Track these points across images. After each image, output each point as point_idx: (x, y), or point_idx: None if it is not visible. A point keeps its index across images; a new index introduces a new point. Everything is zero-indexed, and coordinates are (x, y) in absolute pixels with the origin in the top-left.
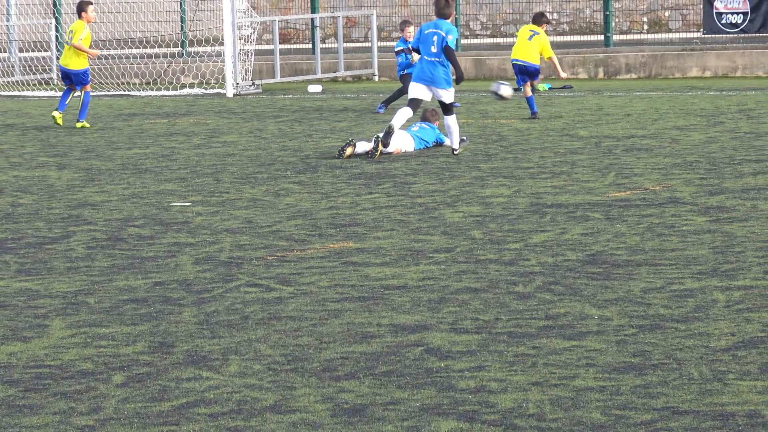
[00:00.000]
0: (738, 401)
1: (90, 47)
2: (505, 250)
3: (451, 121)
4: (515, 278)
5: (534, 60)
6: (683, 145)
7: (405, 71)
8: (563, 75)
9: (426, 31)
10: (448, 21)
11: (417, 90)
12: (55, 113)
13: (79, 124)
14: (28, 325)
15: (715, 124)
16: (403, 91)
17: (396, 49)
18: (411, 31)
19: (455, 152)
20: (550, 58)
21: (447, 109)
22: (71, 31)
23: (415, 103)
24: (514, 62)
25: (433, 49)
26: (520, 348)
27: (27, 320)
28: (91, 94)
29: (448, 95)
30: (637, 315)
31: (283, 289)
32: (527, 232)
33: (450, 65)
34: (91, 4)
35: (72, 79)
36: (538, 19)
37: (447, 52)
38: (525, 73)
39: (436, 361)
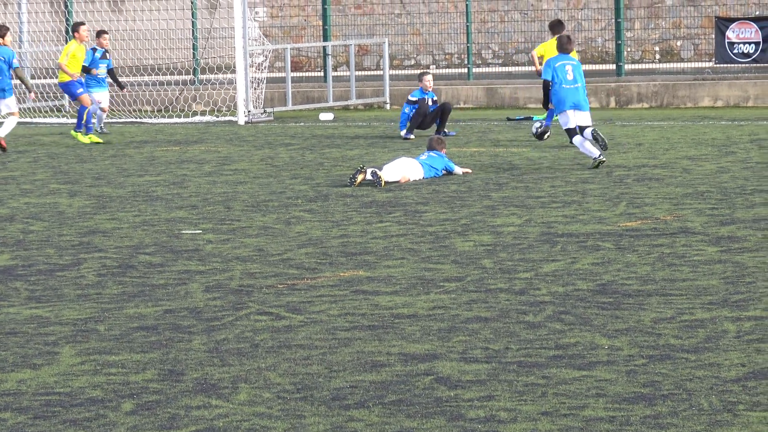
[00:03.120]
0: None
1: (82, 66)
2: (516, 280)
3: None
4: (525, 308)
5: None
6: (694, 174)
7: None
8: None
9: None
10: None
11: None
12: (72, 132)
13: (73, 133)
14: (38, 353)
15: (727, 153)
16: (421, 112)
17: (409, 98)
18: (429, 80)
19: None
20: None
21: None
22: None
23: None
24: None
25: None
26: (530, 378)
27: (37, 347)
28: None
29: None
30: (647, 345)
31: (293, 317)
32: (538, 262)
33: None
34: (84, 24)
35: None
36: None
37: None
38: None
39: (446, 390)
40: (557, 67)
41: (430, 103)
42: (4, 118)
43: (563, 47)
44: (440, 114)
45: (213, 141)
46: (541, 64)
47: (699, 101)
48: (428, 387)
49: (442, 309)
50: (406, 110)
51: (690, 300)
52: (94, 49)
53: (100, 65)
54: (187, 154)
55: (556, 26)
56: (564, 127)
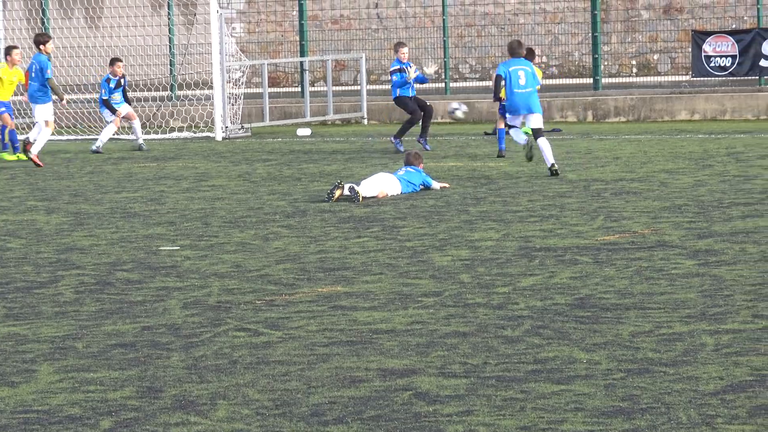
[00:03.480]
0: None
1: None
2: (494, 294)
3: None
4: (504, 322)
5: None
6: (672, 188)
7: (399, 92)
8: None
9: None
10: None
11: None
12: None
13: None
14: (15, 370)
15: (704, 167)
16: (413, 121)
17: (391, 69)
18: (405, 52)
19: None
20: None
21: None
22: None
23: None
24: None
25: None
26: (508, 392)
27: (15, 365)
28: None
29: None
30: (625, 359)
31: (272, 333)
32: (516, 276)
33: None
34: (17, 48)
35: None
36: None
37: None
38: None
39: (425, 406)
40: (510, 72)
41: (412, 73)
42: (34, 122)
43: (514, 51)
44: (423, 116)
45: (190, 157)
46: None
47: (676, 115)
48: (407, 402)
49: (420, 324)
50: (395, 78)
51: (668, 313)
52: (107, 80)
53: (115, 93)
54: (165, 170)
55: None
56: (509, 122)
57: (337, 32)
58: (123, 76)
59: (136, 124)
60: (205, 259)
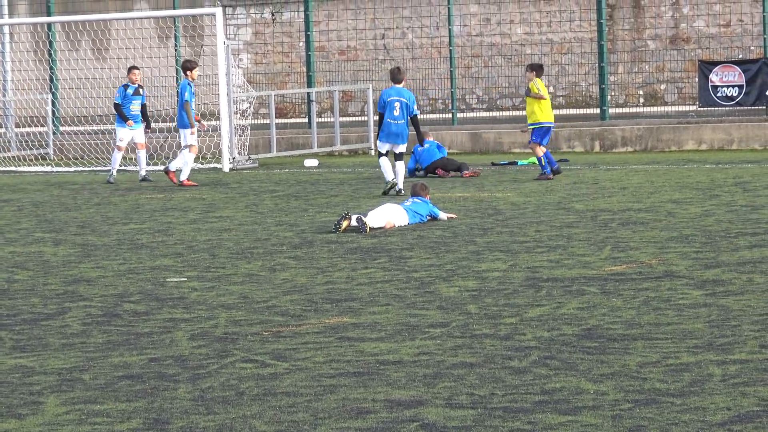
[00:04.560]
0: None
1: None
2: (501, 325)
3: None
4: (511, 353)
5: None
6: (679, 218)
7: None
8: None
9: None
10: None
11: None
12: None
13: None
14: (22, 402)
15: (711, 197)
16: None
17: None
18: None
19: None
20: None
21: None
22: None
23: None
24: (550, 125)
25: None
26: (515, 423)
27: (22, 397)
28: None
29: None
30: (632, 389)
31: (279, 364)
32: (523, 307)
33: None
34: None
35: None
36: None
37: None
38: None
39: None
40: (388, 102)
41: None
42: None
43: (394, 78)
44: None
45: (198, 188)
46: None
47: (683, 144)
48: None
49: (427, 355)
50: None
51: (675, 344)
52: (125, 86)
53: (133, 101)
54: (172, 201)
55: (537, 69)
56: (379, 149)
57: (344, 63)
58: (141, 87)
59: (142, 154)
60: (212, 291)
